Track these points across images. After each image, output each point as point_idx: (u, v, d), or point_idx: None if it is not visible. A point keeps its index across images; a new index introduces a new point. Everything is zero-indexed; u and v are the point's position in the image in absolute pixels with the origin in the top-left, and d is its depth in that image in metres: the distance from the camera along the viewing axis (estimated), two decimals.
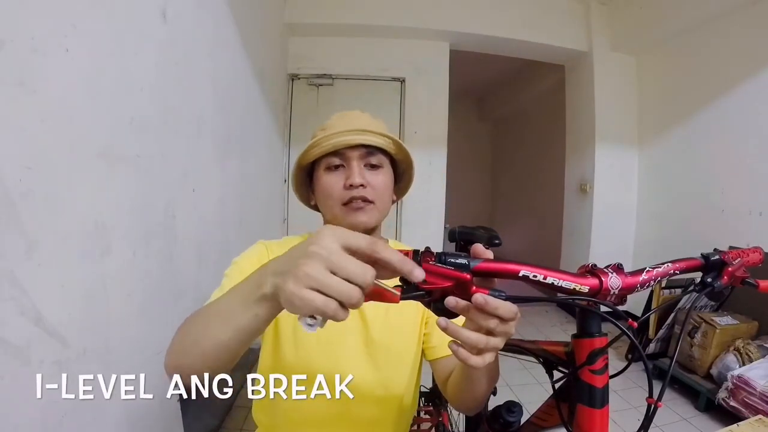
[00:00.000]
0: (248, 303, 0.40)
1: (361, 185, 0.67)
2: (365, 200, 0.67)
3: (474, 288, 0.40)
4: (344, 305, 0.34)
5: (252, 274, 0.41)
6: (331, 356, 0.68)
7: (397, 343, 0.71)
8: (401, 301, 0.41)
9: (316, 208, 0.76)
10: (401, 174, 0.77)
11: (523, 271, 0.42)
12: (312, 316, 0.35)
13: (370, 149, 0.68)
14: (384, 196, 0.70)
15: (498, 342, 0.40)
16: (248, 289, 0.40)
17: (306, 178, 0.75)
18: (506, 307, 0.39)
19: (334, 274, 0.33)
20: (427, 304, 0.43)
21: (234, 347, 0.43)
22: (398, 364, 0.71)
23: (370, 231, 0.70)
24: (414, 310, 0.73)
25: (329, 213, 0.70)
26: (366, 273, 0.34)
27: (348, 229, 0.37)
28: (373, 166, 0.69)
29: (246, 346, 0.44)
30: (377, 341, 0.70)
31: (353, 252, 0.35)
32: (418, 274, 0.36)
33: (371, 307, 0.70)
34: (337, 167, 0.68)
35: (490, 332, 0.40)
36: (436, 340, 0.71)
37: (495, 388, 1.28)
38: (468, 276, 0.40)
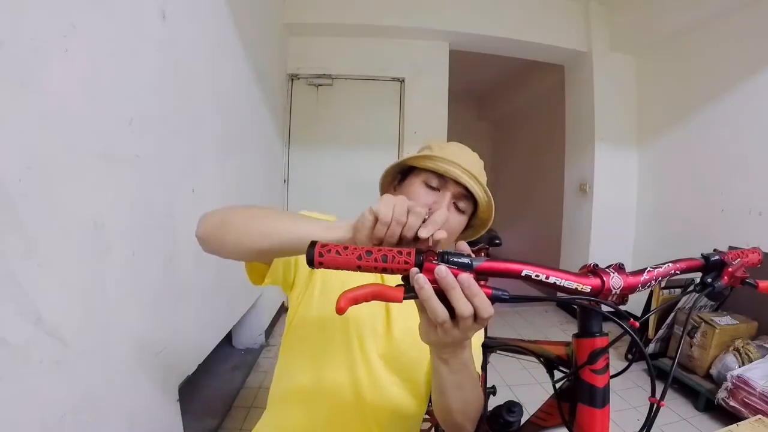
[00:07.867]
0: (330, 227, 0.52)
1: None
2: None
3: None
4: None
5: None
6: (349, 325, 0.70)
7: (415, 348, 0.71)
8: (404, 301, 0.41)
9: None
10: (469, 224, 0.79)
11: (526, 270, 0.42)
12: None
13: (468, 194, 0.71)
14: (449, 238, 0.72)
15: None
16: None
17: (398, 174, 0.79)
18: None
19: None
20: None
21: (287, 244, 0.55)
22: (414, 366, 0.72)
23: None
24: None
25: None
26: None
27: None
28: (458, 209, 0.72)
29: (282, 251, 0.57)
30: (397, 342, 0.71)
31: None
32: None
33: (396, 307, 0.71)
34: (433, 187, 0.71)
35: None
36: None
37: (495, 388, 1.28)
38: (471, 275, 0.40)
